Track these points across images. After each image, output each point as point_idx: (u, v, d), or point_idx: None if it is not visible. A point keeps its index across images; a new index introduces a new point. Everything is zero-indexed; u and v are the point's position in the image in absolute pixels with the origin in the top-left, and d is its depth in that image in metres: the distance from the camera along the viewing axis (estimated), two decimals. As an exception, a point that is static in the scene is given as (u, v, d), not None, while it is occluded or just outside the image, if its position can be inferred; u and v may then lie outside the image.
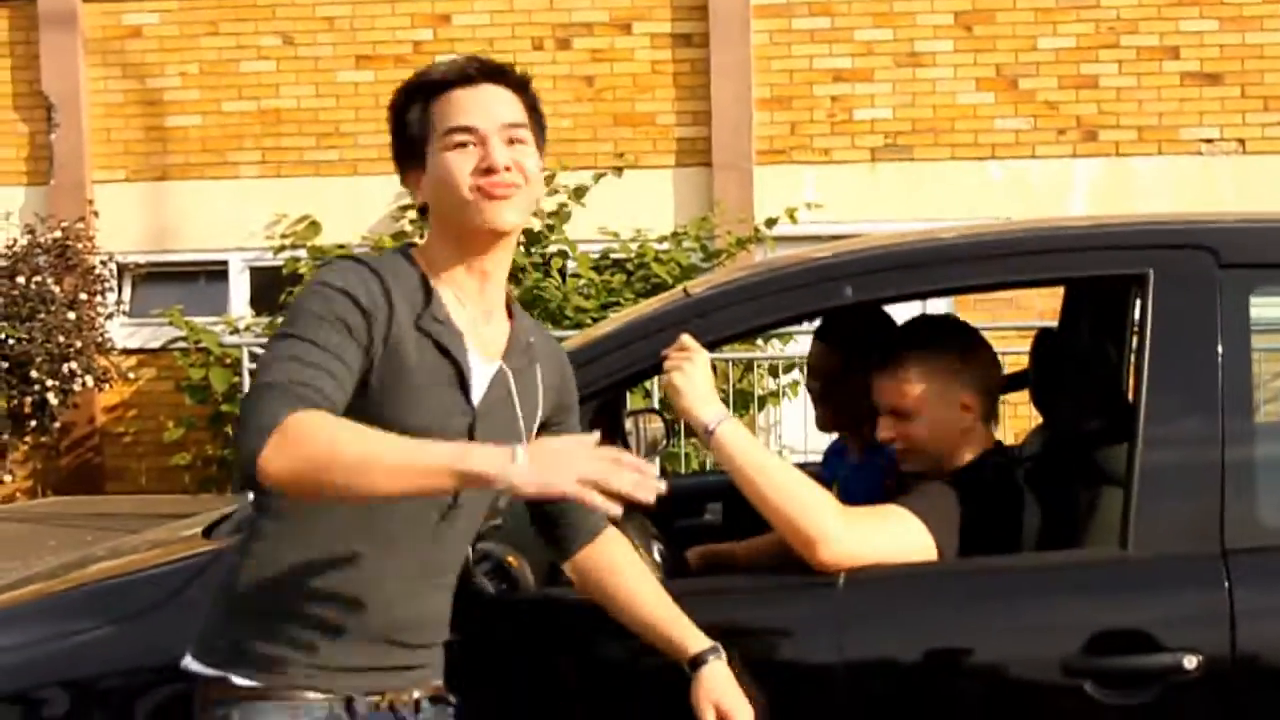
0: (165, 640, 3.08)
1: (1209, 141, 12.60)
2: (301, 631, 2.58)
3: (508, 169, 2.55)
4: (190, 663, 2.68)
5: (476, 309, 2.66)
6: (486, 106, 2.59)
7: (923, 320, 3.46)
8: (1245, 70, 12.56)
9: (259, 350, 10.83)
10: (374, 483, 2.30)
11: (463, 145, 2.56)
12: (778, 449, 11.40)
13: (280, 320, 2.60)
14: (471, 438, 2.55)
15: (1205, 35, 12.56)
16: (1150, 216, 3.68)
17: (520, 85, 2.67)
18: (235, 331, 12.24)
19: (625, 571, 2.92)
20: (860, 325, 3.81)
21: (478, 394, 2.61)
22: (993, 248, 3.34)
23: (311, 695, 2.57)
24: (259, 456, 2.31)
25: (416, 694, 2.70)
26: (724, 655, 2.83)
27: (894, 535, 3.04)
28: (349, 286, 2.49)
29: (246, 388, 10.62)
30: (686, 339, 3.04)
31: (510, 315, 2.74)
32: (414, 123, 2.62)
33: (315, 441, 2.31)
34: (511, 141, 2.58)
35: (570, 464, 2.25)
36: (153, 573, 3.42)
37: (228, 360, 11.54)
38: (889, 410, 3.34)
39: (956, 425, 3.30)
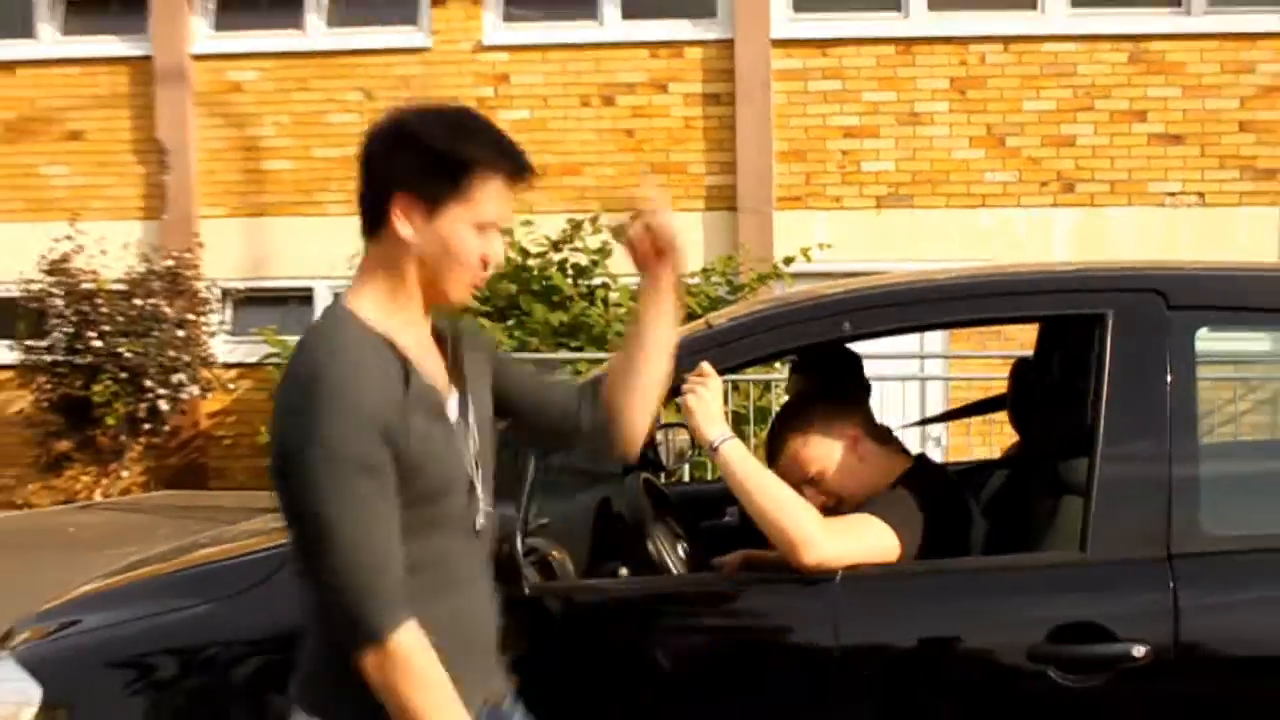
0: (257, 617, 3.17)
1: (1172, 194, 12.57)
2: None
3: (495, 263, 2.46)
4: (300, 717, 2.50)
5: (417, 335, 2.47)
6: (508, 207, 2.44)
7: (790, 403, 3.55)
8: (1204, 132, 12.52)
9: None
10: None
11: (485, 232, 2.39)
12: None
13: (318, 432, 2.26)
14: (476, 465, 2.50)
15: (1169, 101, 12.54)
16: (1110, 263, 3.69)
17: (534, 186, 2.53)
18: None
19: (626, 359, 2.77)
20: (829, 360, 3.90)
21: (453, 416, 2.49)
22: (974, 289, 3.39)
23: None
24: (363, 656, 2.27)
25: (502, 691, 2.65)
26: None
27: (866, 539, 3.10)
28: (371, 419, 2.27)
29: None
30: (705, 366, 3.09)
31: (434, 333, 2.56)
32: (455, 166, 2.35)
33: (400, 687, 2.27)
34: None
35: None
36: (248, 559, 3.49)
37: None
38: (803, 484, 3.38)
39: (856, 458, 3.38)
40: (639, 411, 2.75)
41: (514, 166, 2.42)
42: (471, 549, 2.53)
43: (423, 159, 2.35)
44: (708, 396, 3.07)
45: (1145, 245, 12.27)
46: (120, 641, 3.31)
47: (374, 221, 2.41)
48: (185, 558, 3.82)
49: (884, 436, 3.48)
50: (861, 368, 4.22)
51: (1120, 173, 12.60)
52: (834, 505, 3.35)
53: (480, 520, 2.52)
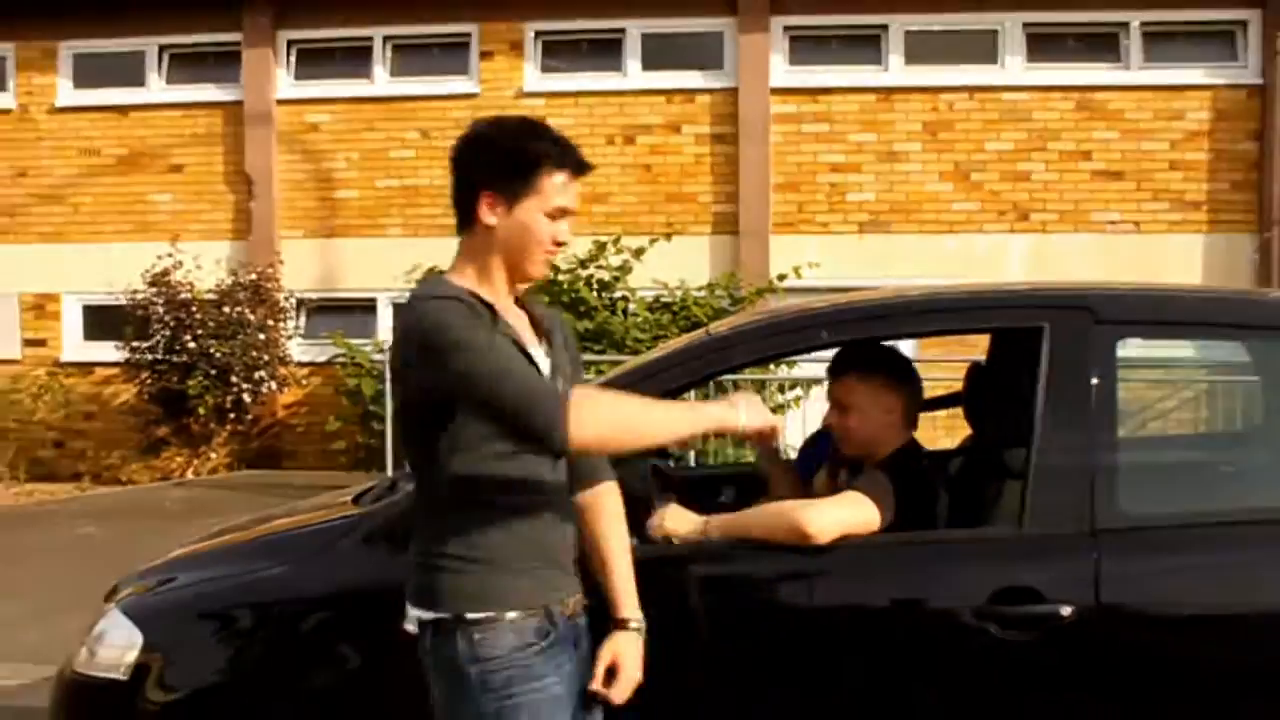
0: (324, 577, 3.23)
1: (1112, 223, 12.59)
2: (507, 568, 2.54)
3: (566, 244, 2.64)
4: (420, 613, 2.58)
5: (507, 305, 2.62)
6: (575, 196, 2.61)
7: (868, 346, 3.53)
8: (1139, 170, 12.54)
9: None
10: (657, 441, 2.51)
11: (555, 219, 2.57)
12: (783, 450, 11.42)
13: (448, 343, 2.42)
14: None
15: (1110, 142, 12.56)
16: (1050, 283, 3.73)
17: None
18: (381, 351, 12.36)
19: (606, 519, 2.80)
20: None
21: (540, 364, 2.59)
22: (934, 305, 3.43)
23: (524, 613, 2.53)
24: (565, 429, 2.36)
25: (578, 603, 2.68)
26: (643, 632, 2.73)
27: (852, 512, 3.14)
28: (478, 319, 2.45)
29: (389, 394, 10.75)
30: (660, 523, 3.16)
31: (518, 303, 2.69)
32: (527, 166, 2.53)
33: (609, 416, 2.43)
34: None
35: (762, 412, 2.56)
36: (317, 528, 3.55)
37: (375, 372, 11.66)
38: (834, 403, 3.45)
39: (880, 422, 3.40)
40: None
41: (574, 162, 2.59)
42: (557, 476, 2.63)
43: (500, 160, 2.54)
44: (673, 522, 3.15)
45: (1088, 267, 12.28)
46: (208, 597, 3.35)
47: (465, 217, 2.60)
48: (263, 527, 3.88)
49: (908, 428, 3.48)
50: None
51: (1068, 204, 12.62)
52: (838, 436, 3.44)
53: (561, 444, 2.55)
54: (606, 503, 2.81)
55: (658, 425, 2.49)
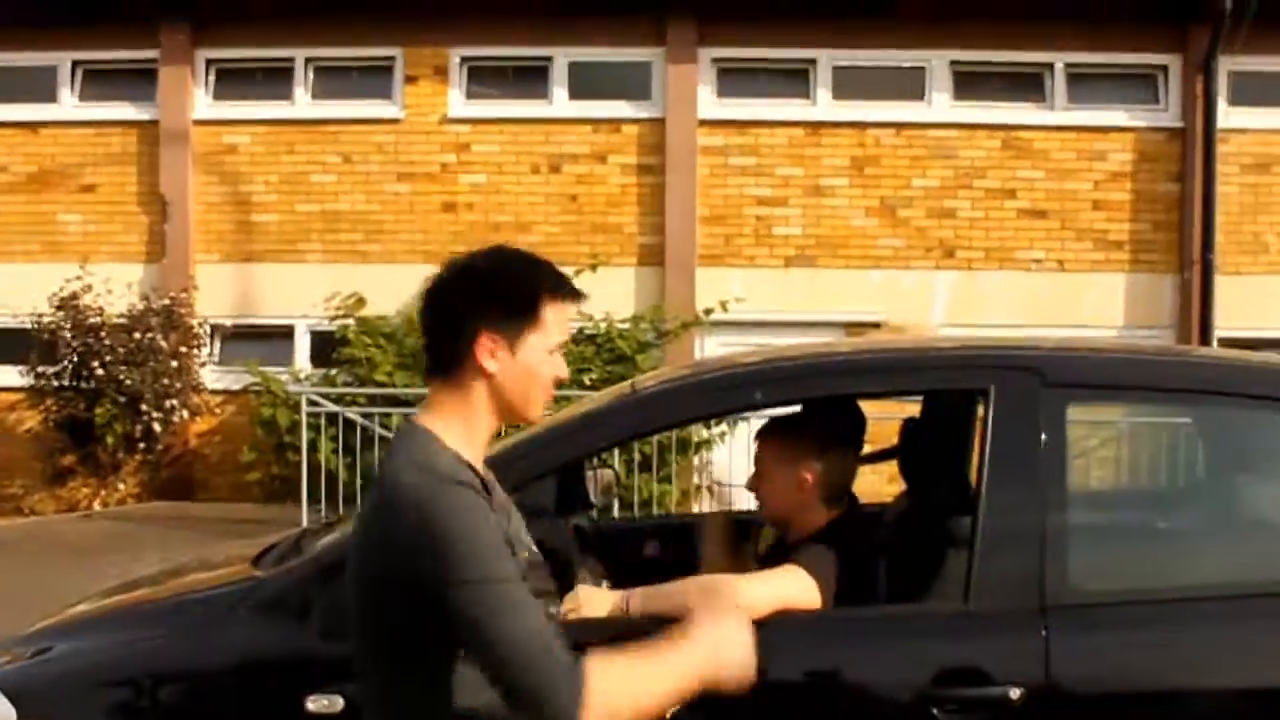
0: (212, 649, 2.99)
1: (1037, 261, 12.60)
2: None
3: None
4: None
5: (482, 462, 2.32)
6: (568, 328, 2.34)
7: (813, 409, 3.33)
8: (1063, 209, 12.57)
9: (315, 396, 10.70)
10: (669, 703, 2.14)
11: (554, 354, 2.28)
12: (710, 483, 11.30)
13: (466, 550, 2.04)
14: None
15: (1035, 181, 12.58)
16: (994, 341, 3.56)
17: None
18: (297, 380, 12.10)
19: None
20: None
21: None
22: (874, 364, 3.26)
23: None
24: (584, 712, 1.99)
25: None
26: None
27: (791, 589, 2.93)
28: (493, 518, 2.13)
29: (305, 425, 10.47)
30: (575, 598, 2.94)
31: None
32: (529, 298, 2.24)
33: (621, 702, 2.04)
34: None
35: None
36: (207, 594, 3.29)
37: (291, 402, 11.36)
38: (759, 469, 3.24)
39: (794, 495, 3.19)
40: None
41: (572, 291, 2.32)
42: None
43: (503, 296, 2.23)
44: (588, 610, 2.92)
45: (1013, 304, 12.29)
46: (91, 668, 3.12)
47: (450, 360, 2.24)
48: (153, 590, 3.61)
49: (838, 494, 3.27)
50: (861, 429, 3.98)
51: (993, 242, 12.61)
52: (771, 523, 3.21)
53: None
54: None
55: (670, 684, 2.12)
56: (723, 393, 3.16)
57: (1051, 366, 3.04)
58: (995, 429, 2.95)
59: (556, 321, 2.27)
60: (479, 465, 2.26)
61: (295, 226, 13.06)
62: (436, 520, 2.06)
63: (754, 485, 3.24)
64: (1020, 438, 2.94)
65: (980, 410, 3.11)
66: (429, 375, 2.29)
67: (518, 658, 2.00)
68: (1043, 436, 2.93)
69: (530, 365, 2.25)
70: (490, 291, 2.23)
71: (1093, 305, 12.36)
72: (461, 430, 2.24)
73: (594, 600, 2.92)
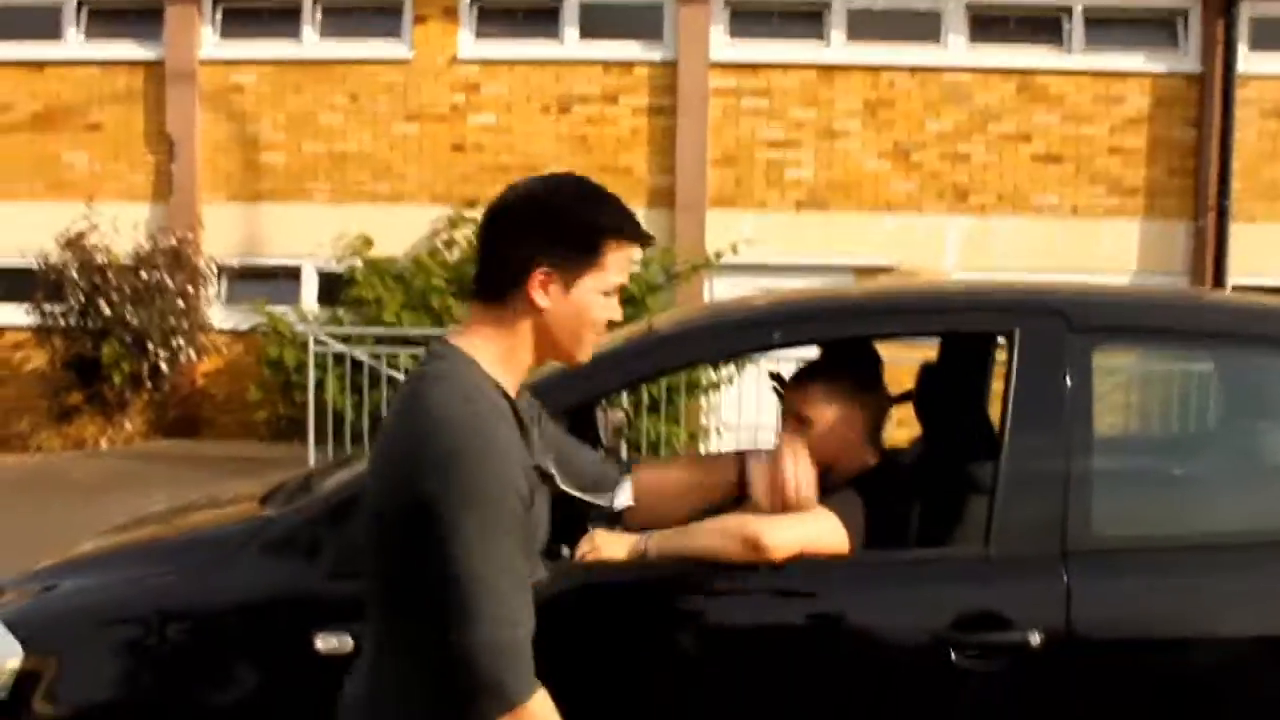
0: (220, 588, 2.96)
1: (1051, 207, 12.49)
2: None
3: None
4: None
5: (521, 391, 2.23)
6: (629, 271, 2.22)
7: (836, 352, 3.27)
8: (1078, 154, 12.44)
9: (322, 336, 10.66)
10: None
11: (610, 296, 2.18)
12: (717, 425, 11.27)
13: (458, 480, 1.96)
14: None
15: (1051, 126, 12.44)
16: (1018, 285, 3.49)
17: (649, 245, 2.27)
18: (304, 320, 12.05)
19: (656, 471, 2.71)
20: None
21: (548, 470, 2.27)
22: (896, 305, 3.19)
23: None
24: (499, 715, 1.95)
25: None
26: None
27: (818, 532, 2.87)
28: (514, 478, 2.01)
29: (311, 364, 10.43)
30: (591, 542, 2.86)
31: None
32: (594, 239, 2.14)
33: None
34: None
35: None
36: (216, 533, 3.26)
37: (298, 341, 11.32)
38: (791, 414, 3.15)
39: (842, 439, 3.11)
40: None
41: (640, 234, 2.21)
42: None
43: (564, 233, 2.13)
44: (606, 552, 2.85)
45: (1026, 249, 12.19)
46: (98, 605, 3.10)
47: (502, 286, 2.15)
48: (162, 527, 3.58)
49: (872, 443, 3.21)
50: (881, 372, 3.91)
51: (1007, 186, 12.49)
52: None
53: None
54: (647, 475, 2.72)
55: None
56: (742, 332, 3.10)
57: (1077, 310, 2.97)
58: (1020, 372, 2.89)
59: (616, 263, 2.17)
60: (513, 393, 2.17)
61: (302, 167, 12.96)
62: (448, 438, 1.98)
63: (794, 433, 3.16)
64: (1045, 381, 2.88)
65: (999, 354, 3.05)
66: (474, 296, 2.19)
67: (477, 658, 1.95)
68: (1067, 381, 2.88)
69: (583, 306, 2.15)
70: (553, 225, 2.12)
71: (1106, 251, 12.26)
72: (498, 357, 2.15)
73: (610, 543, 2.87)
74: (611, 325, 2.22)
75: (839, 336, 3.14)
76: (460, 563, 1.94)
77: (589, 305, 2.16)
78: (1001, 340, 3.12)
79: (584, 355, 2.21)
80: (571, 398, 2.93)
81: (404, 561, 2.02)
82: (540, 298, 2.13)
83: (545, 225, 2.12)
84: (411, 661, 2.07)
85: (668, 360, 3.02)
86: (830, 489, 2.96)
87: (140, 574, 3.11)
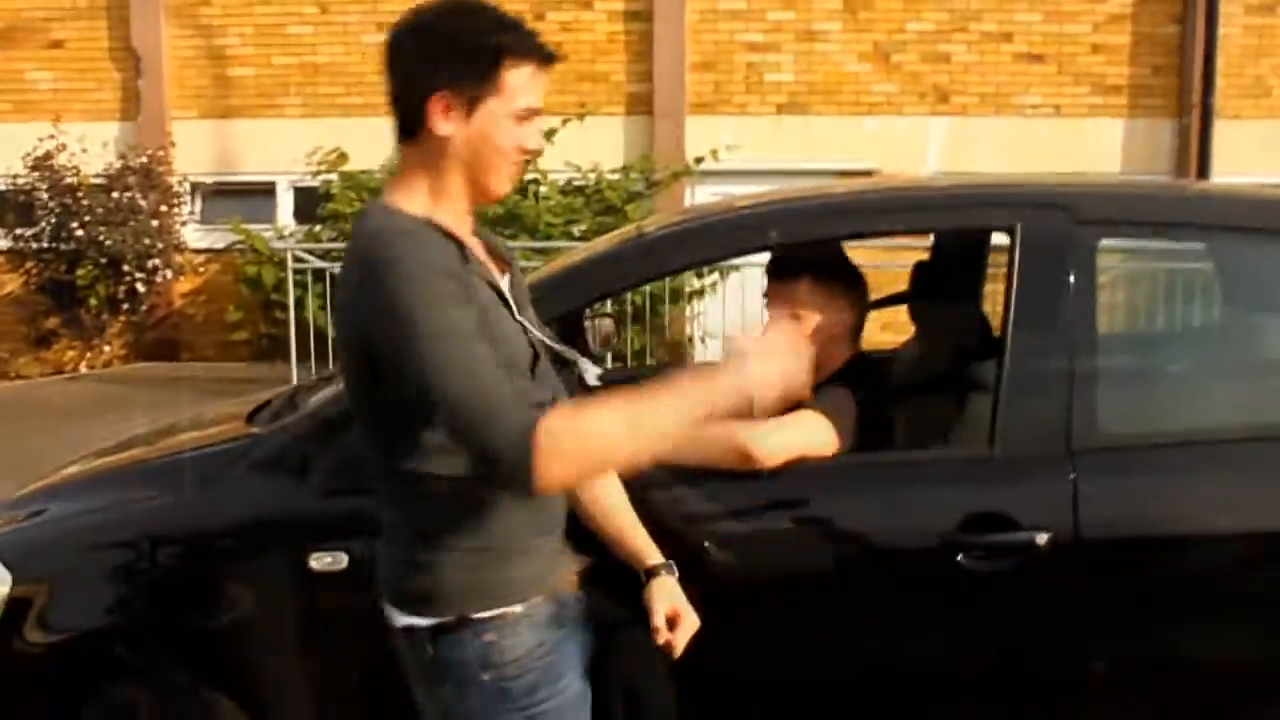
0: (211, 510, 2.90)
1: (1033, 107, 12.36)
2: (509, 552, 2.13)
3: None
4: (412, 620, 2.14)
5: (467, 232, 2.16)
6: (541, 92, 2.13)
7: (820, 247, 3.19)
8: (1061, 53, 12.30)
9: (300, 253, 10.53)
10: (653, 456, 2.02)
11: (522, 122, 2.09)
12: (700, 333, 11.21)
13: (409, 303, 1.93)
14: (532, 347, 2.15)
15: (1033, 24, 12.28)
16: (1019, 178, 3.42)
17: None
18: (281, 238, 11.92)
19: (603, 482, 2.44)
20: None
21: (515, 307, 2.17)
22: (895, 202, 3.11)
23: (534, 601, 2.15)
24: (532, 472, 1.89)
25: (573, 580, 2.31)
26: (675, 571, 2.41)
27: (807, 434, 2.83)
28: (449, 265, 2.00)
29: (290, 282, 10.32)
30: None
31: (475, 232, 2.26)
32: (488, 59, 2.05)
33: (594, 446, 1.94)
34: None
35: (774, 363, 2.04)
36: (204, 453, 3.18)
37: (276, 259, 11.20)
38: (780, 311, 3.07)
39: (829, 337, 3.04)
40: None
41: (541, 52, 2.11)
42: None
43: (457, 56, 2.06)
44: None
45: (1009, 150, 12.08)
46: (87, 529, 3.05)
47: (410, 123, 2.10)
48: (146, 449, 3.50)
49: (855, 339, 3.14)
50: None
51: (989, 87, 12.36)
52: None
53: (549, 399, 2.12)
54: None
55: (653, 439, 1.98)
56: (736, 233, 3.01)
57: (1081, 202, 2.89)
58: (1022, 268, 2.82)
59: (522, 86, 2.09)
60: (456, 227, 2.11)
61: (273, 80, 12.74)
62: (381, 274, 1.97)
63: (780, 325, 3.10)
64: (1049, 278, 2.81)
65: (997, 251, 2.98)
66: (397, 141, 2.15)
67: (462, 415, 1.92)
68: (1071, 277, 2.80)
69: (487, 132, 2.08)
70: (444, 49, 2.06)
71: (1090, 150, 12.15)
72: (426, 196, 2.11)
73: None
74: (529, 153, 2.14)
75: (839, 234, 3.06)
76: (415, 354, 1.94)
77: (495, 130, 2.08)
78: (998, 237, 3.05)
79: (499, 186, 2.14)
80: (561, 304, 2.85)
81: (381, 371, 2.01)
82: (442, 125, 2.07)
83: (437, 50, 2.07)
84: (395, 467, 2.10)
85: (658, 265, 2.94)
86: (816, 388, 2.91)
87: (128, 497, 3.05)
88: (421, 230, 2.03)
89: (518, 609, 2.12)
